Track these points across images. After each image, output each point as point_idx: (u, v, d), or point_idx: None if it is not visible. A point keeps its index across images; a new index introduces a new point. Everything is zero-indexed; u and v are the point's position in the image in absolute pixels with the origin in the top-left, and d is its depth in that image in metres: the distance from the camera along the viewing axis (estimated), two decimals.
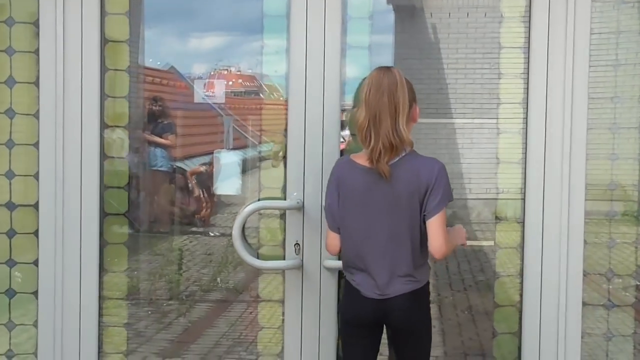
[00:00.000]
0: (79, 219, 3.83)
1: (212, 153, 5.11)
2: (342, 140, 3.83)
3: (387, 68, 3.06)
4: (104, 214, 3.90)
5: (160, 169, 6.21)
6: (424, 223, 3.04)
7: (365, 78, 3.13)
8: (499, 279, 3.88)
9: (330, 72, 3.71)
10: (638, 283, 3.92)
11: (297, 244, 3.71)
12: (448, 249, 3.07)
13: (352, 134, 3.57)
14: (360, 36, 3.83)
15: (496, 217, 3.93)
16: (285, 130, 3.76)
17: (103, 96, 3.85)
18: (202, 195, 6.34)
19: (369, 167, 3.02)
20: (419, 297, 3.13)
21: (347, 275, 3.21)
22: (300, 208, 3.69)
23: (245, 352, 4.36)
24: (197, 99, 5.01)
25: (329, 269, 3.70)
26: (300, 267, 3.71)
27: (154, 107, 5.89)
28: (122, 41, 3.92)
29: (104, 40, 3.85)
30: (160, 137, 5.96)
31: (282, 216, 3.81)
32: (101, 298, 3.91)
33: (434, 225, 3.00)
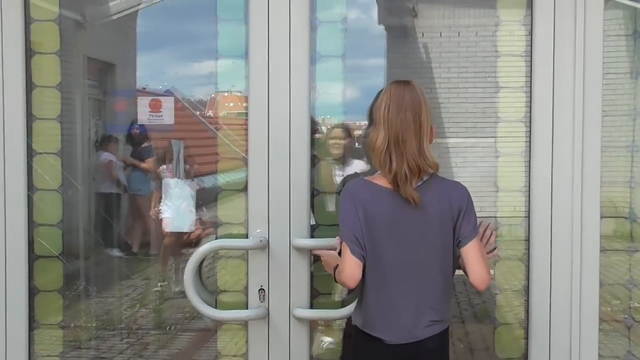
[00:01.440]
0: (4, 262, 3.32)
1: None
2: None
3: (407, 82, 2.76)
4: (34, 256, 3.39)
5: (138, 193, 5.97)
6: (453, 252, 2.75)
7: (380, 93, 2.82)
8: (499, 327, 3.43)
9: (298, 84, 3.22)
10: None
11: (261, 289, 3.25)
12: (490, 275, 2.72)
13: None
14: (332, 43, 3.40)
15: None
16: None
17: (30, 118, 3.36)
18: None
19: (394, 190, 2.70)
20: (446, 338, 2.81)
21: (361, 324, 2.77)
22: (265, 247, 3.22)
23: None
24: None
25: (300, 319, 3.21)
26: (266, 316, 3.24)
27: (134, 131, 5.65)
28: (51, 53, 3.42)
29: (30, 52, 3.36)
30: (142, 161, 5.72)
31: (244, 257, 3.31)
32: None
33: (473, 251, 2.69)
